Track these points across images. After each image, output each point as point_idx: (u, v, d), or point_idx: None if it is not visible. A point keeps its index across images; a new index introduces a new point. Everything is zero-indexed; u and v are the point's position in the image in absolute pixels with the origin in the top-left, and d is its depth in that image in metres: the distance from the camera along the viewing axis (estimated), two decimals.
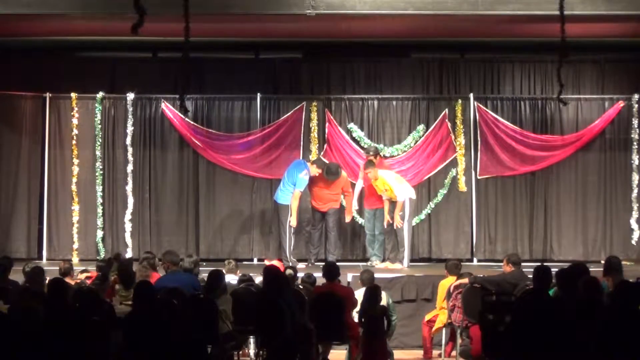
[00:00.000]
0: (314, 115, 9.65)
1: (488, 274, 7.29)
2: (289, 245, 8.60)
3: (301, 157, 9.49)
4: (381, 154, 9.25)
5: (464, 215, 9.73)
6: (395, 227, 8.58)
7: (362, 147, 9.56)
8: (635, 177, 9.54)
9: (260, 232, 9.61)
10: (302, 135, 9.65)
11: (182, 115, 9.46)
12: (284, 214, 8.63)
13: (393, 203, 8.59)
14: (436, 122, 9.72)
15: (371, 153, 8.85)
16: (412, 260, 8.93)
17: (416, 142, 9.69)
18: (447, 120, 9.68)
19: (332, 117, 9.68)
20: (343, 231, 9.53)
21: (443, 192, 9.77)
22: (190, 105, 9.50)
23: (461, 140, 9.63)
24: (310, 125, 9.67)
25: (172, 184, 9.76)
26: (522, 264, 7.02)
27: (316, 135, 9.68)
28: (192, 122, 9.65)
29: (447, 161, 9.70)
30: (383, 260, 8.89)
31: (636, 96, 9.61)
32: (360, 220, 9.39)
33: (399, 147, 9.71)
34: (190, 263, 6.87)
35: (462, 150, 9.63)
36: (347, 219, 8.98)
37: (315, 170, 8.77)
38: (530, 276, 5.64)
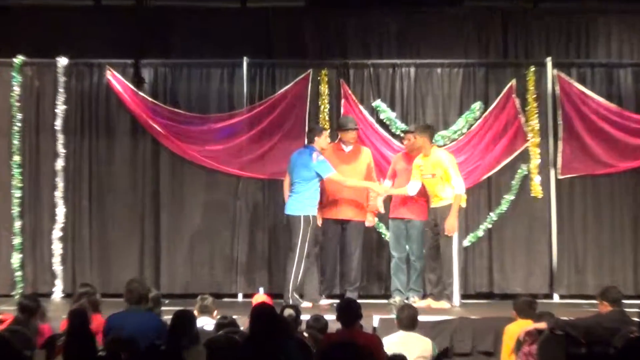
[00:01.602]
0: (323, 89, 9.57)
1: (575, 316, 7.22)
2: (294, 274, 8.40)
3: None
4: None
5: (539, 232, 9.69)
6: (437, 246, 8.42)
7: (392, 135, 9.49)
8: None
9: (248, 256, 9.56)
10: (307, 116, 9.54)
11: (135, 89, 9.50)
12: (296, 229, 8.44)
13: (440, 201, 8.45)
14: (499, 98, 9.61)
15: (415, 129, 8.73)
16: (464, 297, 8.84)
17: (470, 126, 9.59)
18: (514, 95, 9.57)
19: (349, 92, 9.57)
20: (366, 251, 9.37)
21: (509, 198, 9.64)
22: (149, 74, 9.58)
23: (534, 124, 9.58)
24: (320, 102, 9.56)
25: (122, 186, 9.71)
26: (624, 302, 6.96)
27: (327, 117, 9.56)
28: (150, 99, 9.59)
29: (515, 154, 9.58)
30: (424, 297, 8.70)
31: None
32: (386, 233, 9.29)
33: (445, 134, 9.61)
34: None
35: (536, 139, 9.61)
36: (368, 223, 8.76)
37: (324, 142, 8.58)
38: (636, 319, 5.67)
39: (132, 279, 6.86)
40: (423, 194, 8.58)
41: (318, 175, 8.39)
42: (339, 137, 8.88)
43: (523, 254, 9.64)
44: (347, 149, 8.67)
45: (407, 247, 8.72)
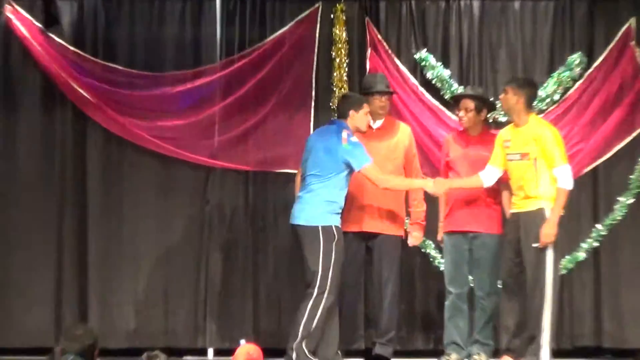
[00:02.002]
0: (340, 32, 8.58)
1: None
2: (307, 318, 7.24)
3: (312, 121, 8.46)
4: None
5: None
6: (519, 275, 7.37)
7: (445, 103, 8.46)
8: None
9: (223, 291, 8.55)
10: (314, 74, 8.57)
11: (49, 33, 8.60)
12: (312, 247, 7.36)
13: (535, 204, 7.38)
14: (610, 47, 8.62)
15: (509, 83, 7.65)
16: (558, 354, 7.68)
17: (566, 91, 8.62)
18: (633, 43, 8.56)
19: (379, 37, 8.59)
20: (406, 284, 8.36)
21: (627, 201, 8.54)
22: (70, 9, 8.67)
23: None
24: (334, 53, 8.56)
25: (28, 186, 8.77)
26: None
27: (344, 76, 8.54)
28: (72, 48, 8.67)
29: (635, 133, 8.56)
30: (496, 353, 7.88)
31: None
32: (437, 257, 8.45)
33: None
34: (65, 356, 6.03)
35: None
36: (412, 241, 7.86)
37: (362, 120, 7.43)
38: None
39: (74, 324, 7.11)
40: (497, 192, 7.67)
41: (348, 166, 7.41)
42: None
43: None
44: (376, 124, 7.75)
45: (470, 277, 7.87)
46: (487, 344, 7.75)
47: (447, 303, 7.86)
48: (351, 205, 7.68)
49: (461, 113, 7.82)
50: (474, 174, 7.59)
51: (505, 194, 7.62)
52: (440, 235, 7.89)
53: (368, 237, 7.73)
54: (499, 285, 7.67)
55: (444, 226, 7.83)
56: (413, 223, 7.83)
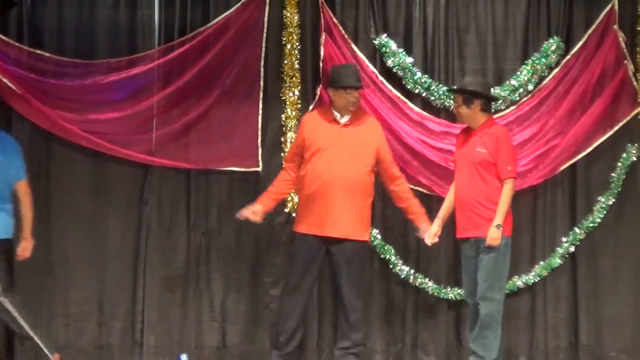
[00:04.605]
0: (291, 16, 8.27)
1: None
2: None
3: (260, 114, 8.21)
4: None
5: None
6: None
7: (407, 94, 8.20)
8: None
9: (161, 304, 8.14)
10: (261, 62, 8.26)
11: None
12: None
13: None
14: (590, 31, 8.35)
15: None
16: None
17: (541, 80, 8.36)
18: (616, 26, 8.27)
19: (334, 19, 8.31)
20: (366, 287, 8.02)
21: (607, 201, 8.22)
22: None
23: None
24: (284, 39, 8.22)
25: None
26: None
27: (296, 63, 8.22)
28: None
29: (617, 126, 8.28)
30: None
31: None
32: (396, 262, 8.18)
33: (498, 93, 8.26)
34: None
35: None
36: (429, 236, 7.59)
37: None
38: None
39: None
40: (499, 191, 7.43)
41: None
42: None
43: (630, 297, 8.32)
44: (344, 119, 7.49)
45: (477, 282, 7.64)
46: (480, 356, 7.42)
47: (468, 312, 7.60)
48: (312, 208, 7.46)
49: (453, 109, 7.63)
50: (473, 174, 7.33)
51: (504, 194, 7.34)
52: (428, 233, 7.58)
53: (329, 242, 7.47)
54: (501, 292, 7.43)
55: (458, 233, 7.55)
56: (417, 217, 7.51)
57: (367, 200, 7.55)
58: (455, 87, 7.77)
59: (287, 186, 7.49)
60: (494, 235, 7.27)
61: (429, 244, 7.67)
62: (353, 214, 7.46)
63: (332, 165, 7.37)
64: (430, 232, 7.60)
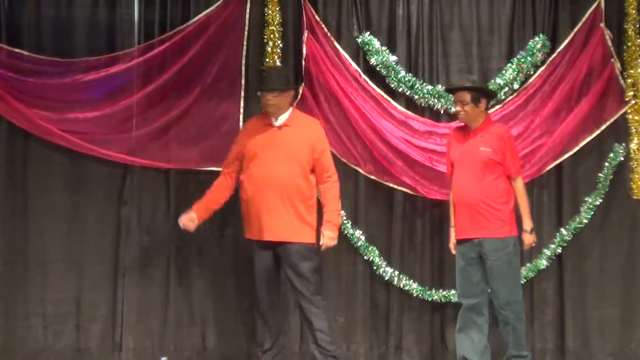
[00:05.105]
0: (273, 13, 8.22)
1: None
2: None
3: (242, 113, 8.16)
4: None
5: None
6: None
7: (392, 93, 8.11)
8: None
9: (140, 307, 7.97)
10: (243, 60, 8.17)
11: None
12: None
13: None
14: (576, 29, 8.30)
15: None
16: None
17: (527, 79, 8.34)
18: (602, 24, 8.26)
19: (317, 17, 8.25)
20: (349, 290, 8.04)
21: (594, 202, 8.21)
22: None
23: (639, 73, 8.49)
24: (265, 35, 8.15)
25: None
26: None
27: (277, 61, 8.21)
28: None
29: (604, 126, 8.26)
30: None
31: None
32: (380, 263, 8.06)
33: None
34: None
35: None
36: (323, 241, 7.48)
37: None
38: None
39: None
40: (504, 191, 7.40)
41: None
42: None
43: (617, 299, 8.28)
44: (279, 121, 7.45)
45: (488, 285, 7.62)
46: (522, 355, 7.39)
47: (459, 314, 7.56)
48: (251, 213, 7.43)
49: (458, 107, 7.47)
50: (477, 174, 7.28)
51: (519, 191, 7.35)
52: (451, 244, 7.60)
53: (273, 246, 7.39)
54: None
55: (457, 233, 7.50)
56: (324, 221, 7.36)
57: (307, 202, 7.44)
58: (468, 85, 7.63)
59: (224, 192, 7.44)
60: (530, 240, 7.34)
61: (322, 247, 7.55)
62: (290, 216, 7.36)
63: (267, 168, 7.30)
64: (329, 240, 7.50)
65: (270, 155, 7.35)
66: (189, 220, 7.28)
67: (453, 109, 7.87)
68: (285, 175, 7.28)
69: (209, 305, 7.94)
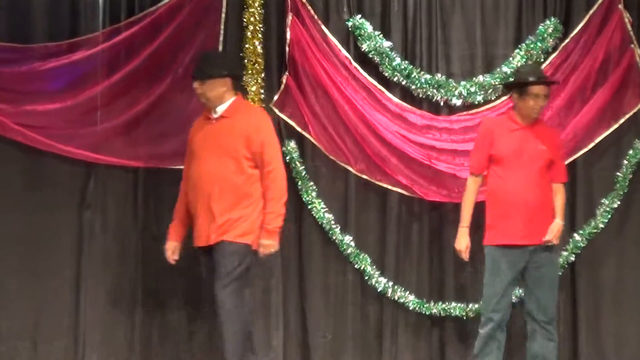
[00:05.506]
0: None
1: None
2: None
3: None
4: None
5: None
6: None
7: (386, 82, 7.78)
8: None
9: (105, 321, 7.66)
10: (221, 44, 7.85)
11: None
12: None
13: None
14: (591, 13, 7.86)
15: None
16: None
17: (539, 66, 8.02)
18: (621, 6, 7.80)
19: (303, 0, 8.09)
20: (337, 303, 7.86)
21: (612, 204, 7.79)
22: None
23: None
24: (245, 18, 7.74)
25: None
26: None
27: (258, 46, 7.80)
28: None
29: (623, 119, 7.82)
30: None
31: None
32: (372, 273, 7.84)
33: (488, 81, 7.83)
34: None
35: None
36: (260, 249, 7.22)
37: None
38: None
39: None
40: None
41: None
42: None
43: (636, 312, 7.85)
44: (215, 114, 7.13)
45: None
46: None
47: (482, 332, 7.09)
48: (192, 217, 7.13)
49: (531, 102, 7.02)
50: (536, 174, 6.95)
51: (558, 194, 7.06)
52: (466, 247, 7.17)
53: (210, 251, 6.98)
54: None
55: (491, 237, 7.03)
56: (260, 226, 6.94)
57: (245, 200, 6.99)
58: (551, 79, 7.27)
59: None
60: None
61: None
62: (222, 217, 6.92)
63: (199, 166, 6.98)
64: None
65: (204, 151, 7.01)
66: (172, 252, 6.87)
67: (454, 101, 7.58)
68: (216, 173, 6.86)
69: (183, 318, 7.57)
